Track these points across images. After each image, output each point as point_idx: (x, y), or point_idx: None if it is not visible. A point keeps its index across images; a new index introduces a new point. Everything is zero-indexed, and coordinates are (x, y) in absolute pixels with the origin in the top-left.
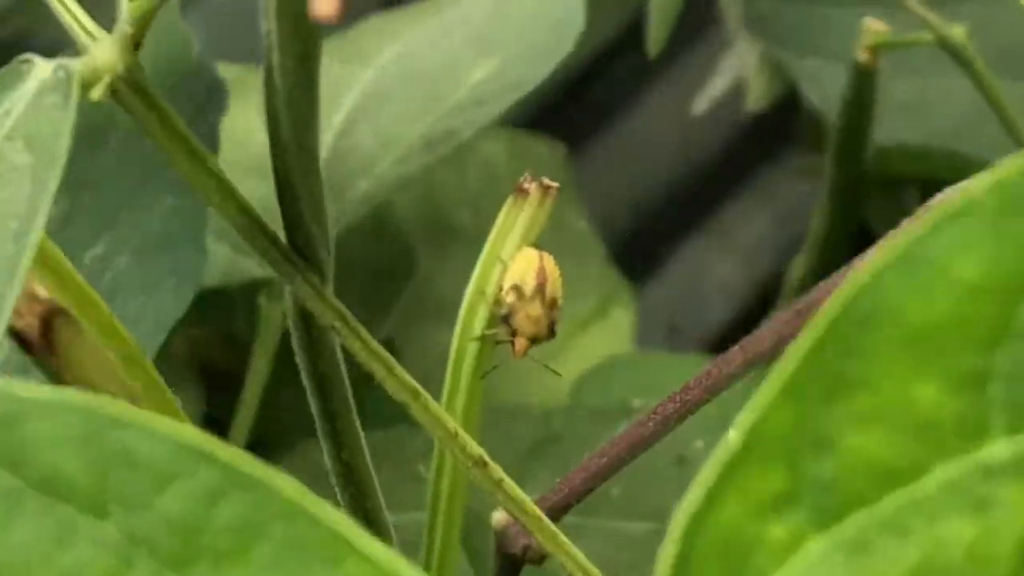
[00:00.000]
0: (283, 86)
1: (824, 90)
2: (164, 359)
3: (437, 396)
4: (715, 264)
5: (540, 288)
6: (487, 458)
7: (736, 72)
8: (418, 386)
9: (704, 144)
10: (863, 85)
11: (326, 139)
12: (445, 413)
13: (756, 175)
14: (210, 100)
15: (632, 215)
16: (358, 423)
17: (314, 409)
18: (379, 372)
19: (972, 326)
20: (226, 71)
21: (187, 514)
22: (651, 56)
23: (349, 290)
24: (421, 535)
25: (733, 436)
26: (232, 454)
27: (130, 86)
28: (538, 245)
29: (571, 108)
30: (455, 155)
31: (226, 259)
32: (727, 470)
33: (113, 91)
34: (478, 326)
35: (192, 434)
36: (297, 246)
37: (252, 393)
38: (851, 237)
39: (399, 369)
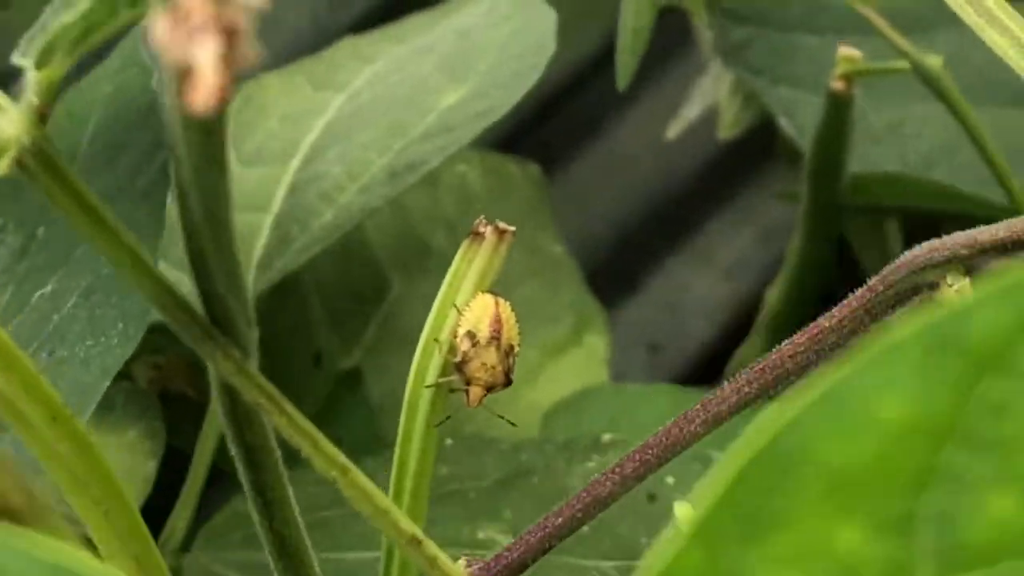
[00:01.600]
0: (188, 160)
1: (798, 118)
2: (126, 389)
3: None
4: (696, 283)
5: (495, 335)
6: (420, 536)
7: (709, 98)
8: (347, 462)
9: (683, 162)
10: (838, 113)
11: (292, 164)
12: (377, 490)
13: (736, 193)
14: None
15: (611, 234)
16: (290, 491)
17: (244, 480)
18: (306, 449)
19: (897, 469)
20: None
21: None
22: (620, 88)
23: (320, 314)
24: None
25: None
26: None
27: (37, 159)
28: (494, 289)
29: (547, 127)
30: (428, 176)
31: (188, 288)
32: None
33: (19, 164)
34: (432, 373)
35: (67, 554)
36: (216, 320)
37: (214, 423)
38: (827, 264)
39: (325, 444)
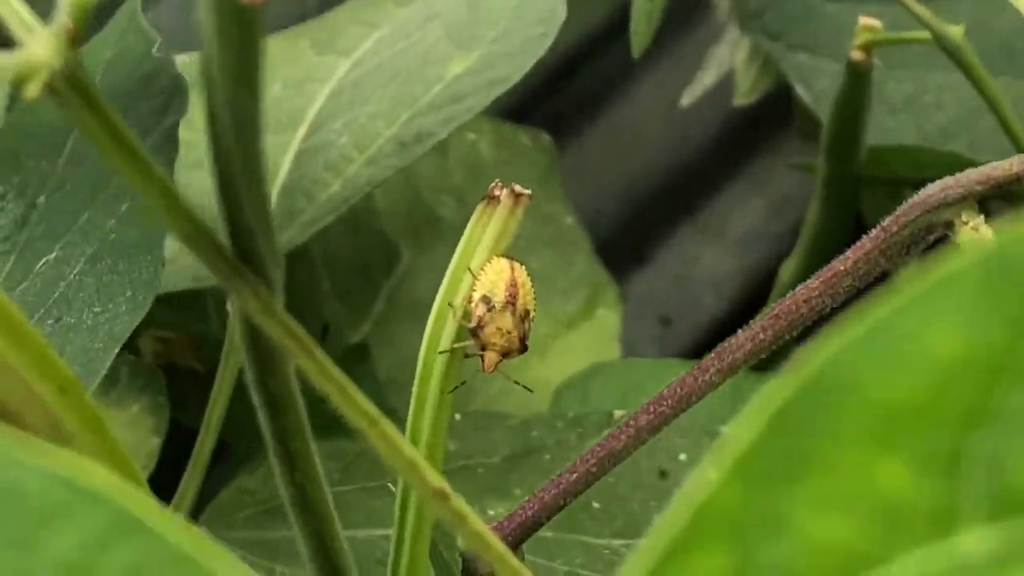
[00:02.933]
0: (222, 82)
1: (816, 86)
2: (130, 363)
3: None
4: (706, 255)
5: (511, 300)
6: (448, 490)
7: (725, 65)
8: (376, 412)
9: (695, 133)
10: (857, 84)
11: (298, 133)
12: (406, 442)
13: (748, 164)
14: (170, 101)
15: (622, 206)
16: (313, 445)
17: (265, 429)
18: (334, 396)
19: (947, 406)
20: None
21: (75, 558)
22: (635, 56)
23: (328, 286)
24: (389, 551)
25: (678, 511)
26: (128, 496)
27: (69, 83)
28: (509, 254)
29: (558, 96)
30: (438, 146)
31: (196, 261)
32: (671, 548)
33: (50, 89)
34: (446, 339)
35: (88, 473)
36: (244, 257)
37: (221, 398)
38: (843, 238)
39: (355, 393)
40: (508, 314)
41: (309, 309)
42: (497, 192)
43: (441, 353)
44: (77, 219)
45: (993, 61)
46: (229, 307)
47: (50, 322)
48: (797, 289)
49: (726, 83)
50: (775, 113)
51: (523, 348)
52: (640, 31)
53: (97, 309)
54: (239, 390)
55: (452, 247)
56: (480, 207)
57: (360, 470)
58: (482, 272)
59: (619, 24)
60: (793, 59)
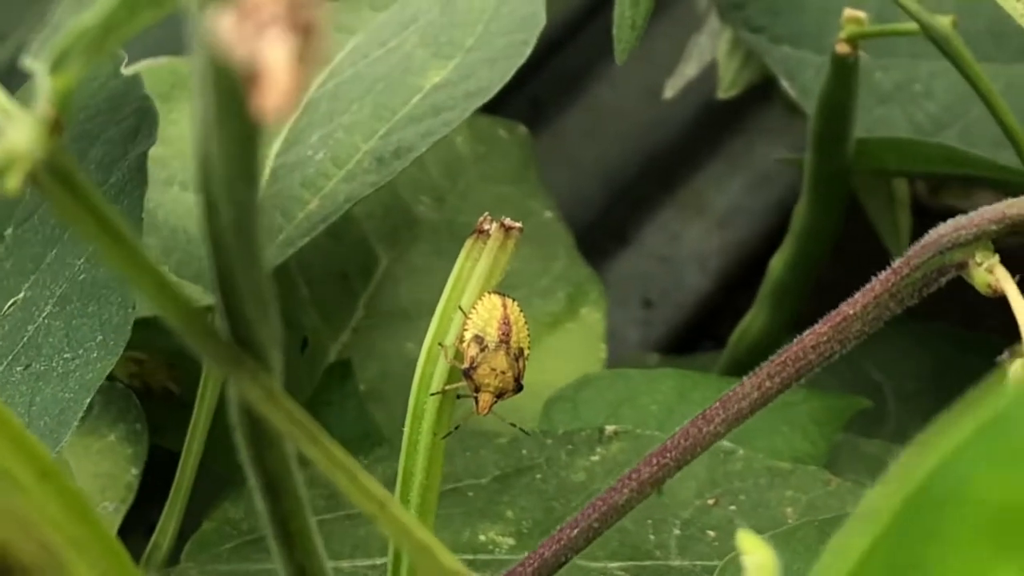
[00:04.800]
0: (222, 171)
1: (801, 79)
2: (104, 389)
3: (400, 415)
4: (688, 233)
5: (504, 338)
6: (463, 570)
7: (707, 56)
8: (384, 494)
9: (672, 113)
10: (843, 77)
11: (274, 147)
12: (417, 523)
13: (727, 141)
14: (139, 126)
15: (602, 188)
16: (312, 521)
17: (262, 510)
18: (341, 482)
19: None
20: (167, 66)
21: None
22: (619, 63)
23: (306, 296)
24: None
25: None
26: None
27: (53, 174)
28: (501, 290)
29: (535, 81)
30: None
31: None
32: None
33: (33, 180)
34: (437, 380)
35: None
36: (243, 342)
37: (200, 425)
38: (833, 232)
39: (364, 477)
40: (502, 353)
41: (288, 320)
42: (486, 225)
43: (433, 395)
44: (45, 256)
45: (982, 47)
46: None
47: (19, 369)
48: (804, 335)
49: (704, 66)
50: (754, 91)
51: (518, 388)
52: (624, 38)
53: (67, 355)
54: (218, 411)
55: (431, 248)
56: (469, 241)
57: (343, 496)
58: (473, 310)
59: (596, 7)
60: (777, 52)
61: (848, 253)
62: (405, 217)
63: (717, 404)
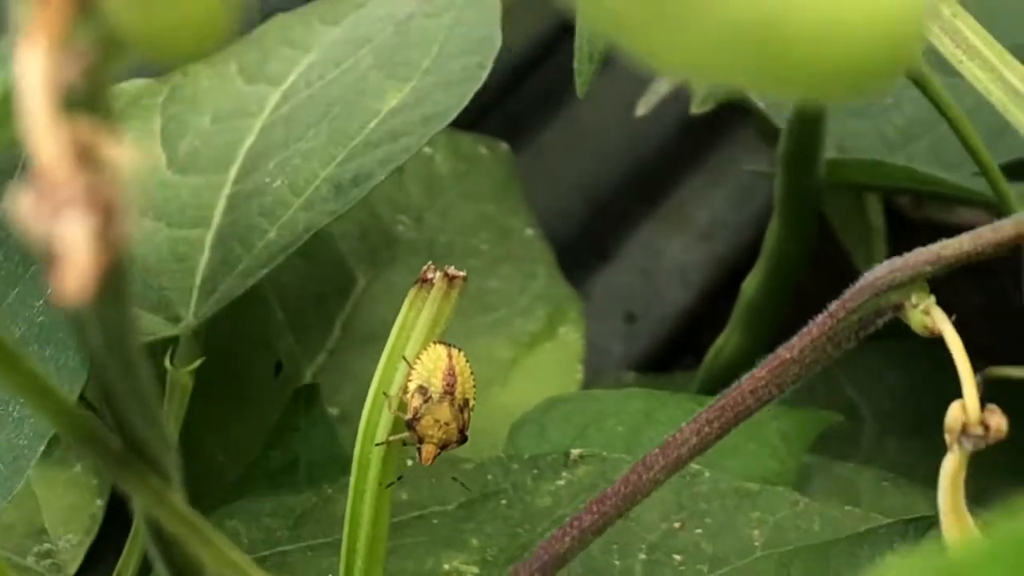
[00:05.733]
0: (91, 309)
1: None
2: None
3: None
4: (670, 247)
5: (449, 389)
6: None
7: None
8: None
9: (653, 127)
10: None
11: (230, 174)
12: None
13: (707, 154)
14: None
15: (583, 203)
16: None
17: None
18: None
19: None
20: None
21: None
22: (580, 96)
23: (281, 319)
24: None
25: None
26: None
27: None
28: (445, 340)
29: (514, 98)
30: None
31: (136, 312)
32: None
33: None
34: (382, 430)
35: None
36: (133, 447)
37: None
38: (805, 253)
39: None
40: (446, 405)
41: (261, 344)
42: (430, 275)
43: (378, 446)
44: (7, 295)
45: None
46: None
47: None
48: (743, 379)
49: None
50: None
51: (462, 440)
52: (583, 71)
53: (23, 400)
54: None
55: (409, 269)
56: (413, 290)
57: (307, 526)
58: (418, 360)
59: (569, 25)
60: None
61: (828, 266)
62: (383, 237)
63: (656, 451)
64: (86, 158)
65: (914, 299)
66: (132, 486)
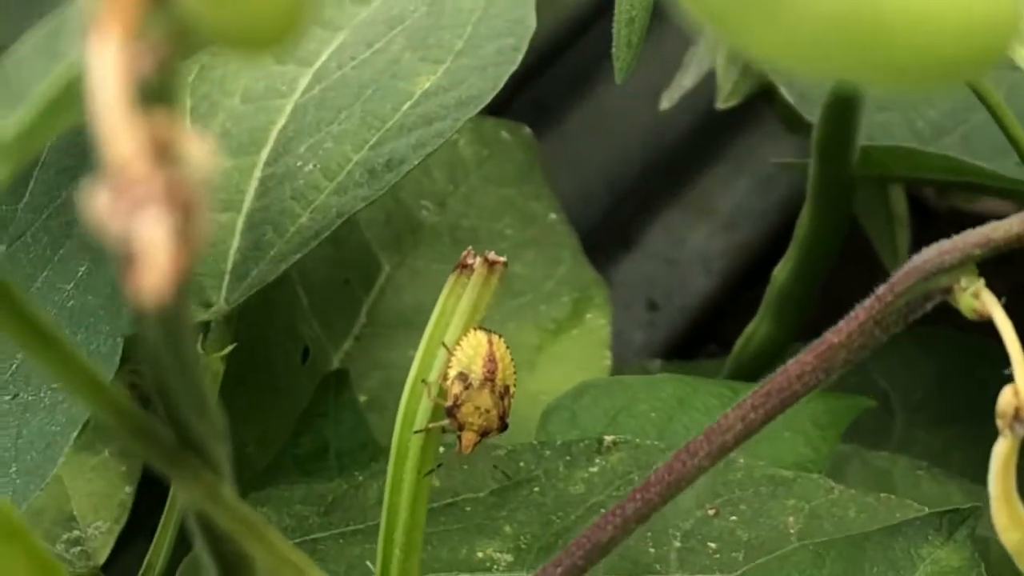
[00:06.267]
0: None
1: (800, 86)
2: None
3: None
4: (693, 235)
5: (490, 376)
6: None
7: (705, 65)
8: None
9: (677, 114)
10: (846, 84)
11: (262, 156)
12: None
13: (731, 141)
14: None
15: (606, 191)
16: None
17: None
18: None
19: None
20: None
21: None
22: (619, 83)
23: (307, 305)
24: None
25: None
26: None
27: None
28: (486, 326)
29: (539, 83)
30: None
31: None
32: None
33: None
34: (421, 417)
35: None
36: (185, 441)
37: None
38: (837, 240)
39: (313, 572)
40: (487, 392)
41: (288, 331)
42: (470, 260)
43: (416, 433)
44: (36, 278)
45: None
46: (200, 349)
47: (7, 399)
48: (789, 364)
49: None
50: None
51: (503, 427)
52: (622, 57)
53: (55, 386)
54: None
55: (434, 254)
56: (452, 276)
57: (338, 513)
58: (458, 347)
59: (600, 9)
60: None
61: (858, 257)
62: (407, 222)
63: (701, 438)
64: (163, 154)
65: (963, 282)
66: (184, 481)
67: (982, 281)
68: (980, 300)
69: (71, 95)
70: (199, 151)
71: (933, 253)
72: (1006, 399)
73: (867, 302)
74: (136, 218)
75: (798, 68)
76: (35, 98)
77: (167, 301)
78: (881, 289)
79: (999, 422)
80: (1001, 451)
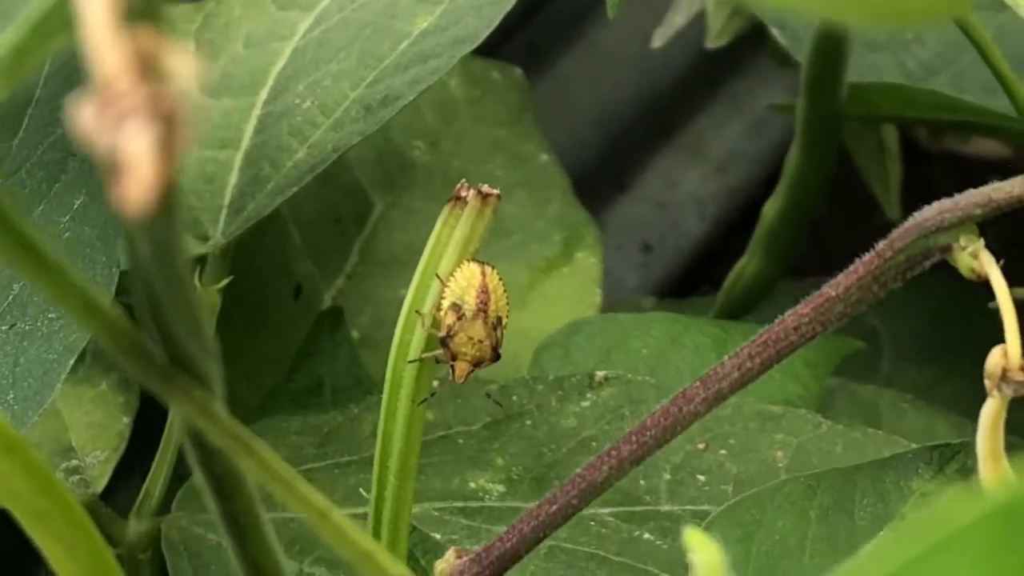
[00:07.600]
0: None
1: (792, 27)
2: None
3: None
4: (686, 179)
5: (482, 307)
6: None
7: (696, 4)
8: (325, 503)
9: (670, 57)
10: (834, 23)
11: (261, 95)
12: (360, 532)
13: (725, 85)
14: None
15: (600, 134)
16: (264, 517)
17: (214, 509)
18: (279, 493)
19: None
20: None
21: None
22: (611, 16)
23: (299, 243)
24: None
25: None
26: None
27: None
28: (479, 258)
29: (531, 27)
30: None
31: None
32: None
33: None
34: (415, 348)
35: None
36: (177, 359)
37: None
38: (826, 178)
39: (302, 486)
40: (479, 322)
41: (280, 269)
42: (464, 192)
43: (411, 363)
44: (33, 211)
45: None
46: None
47: (4, 328)
48: (786, 315)
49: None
50: (750, 34)
51: (495, 357)
52: None
53: (52, 315)
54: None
55: (425, 193)
56: (446, 208)
57: (334, 444)
58: (451, 278)
59: None
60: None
61: (844, 198)
62: (399, 161)
63: (697, 384)
64: (147, 68)
65: (962, 241)
66: (176, 398)
67: (981, 241)
68: (978, 260)
69: (61, 15)
70: (182, 65)
71: (933, 211)
72: (994, 360)
73: (866, 257)
74: (121, 130)
75: (785, 5)
76: (25, 18)
77: (153, 211)
78: (880, 245)
79: (987, 382)
80: (989, 411)
